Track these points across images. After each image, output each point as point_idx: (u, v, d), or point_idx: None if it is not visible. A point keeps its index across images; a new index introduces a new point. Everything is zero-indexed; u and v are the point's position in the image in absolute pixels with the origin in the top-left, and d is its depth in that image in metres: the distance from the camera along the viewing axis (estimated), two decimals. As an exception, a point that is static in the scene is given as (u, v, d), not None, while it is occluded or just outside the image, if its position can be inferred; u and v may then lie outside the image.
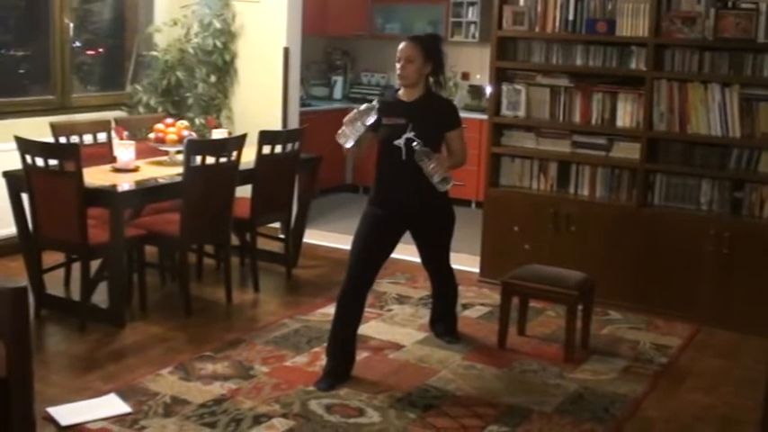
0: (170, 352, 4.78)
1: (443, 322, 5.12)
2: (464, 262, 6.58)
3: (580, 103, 5.95)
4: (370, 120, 4.27)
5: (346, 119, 4.28)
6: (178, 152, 5.59)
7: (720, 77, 5.49)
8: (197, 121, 7.11)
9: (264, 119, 7.12)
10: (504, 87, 6.15)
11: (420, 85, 4.56)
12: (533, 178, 6.18)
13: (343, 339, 4.48)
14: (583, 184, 6.01)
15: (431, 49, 4.54)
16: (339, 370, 4.45)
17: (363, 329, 5.17)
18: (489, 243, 6.24)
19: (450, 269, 5.01)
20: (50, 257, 5.54)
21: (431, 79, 4.61)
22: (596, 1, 5.78)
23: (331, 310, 4.63)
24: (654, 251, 5.67)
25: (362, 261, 4.47)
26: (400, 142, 4.43)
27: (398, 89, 4.65)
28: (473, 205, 8.76)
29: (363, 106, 4.29)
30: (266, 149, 5.73)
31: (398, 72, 4.53)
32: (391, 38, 9.34)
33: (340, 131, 4.28)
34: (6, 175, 5.31)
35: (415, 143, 4.35)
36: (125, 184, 5.15)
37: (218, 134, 6.08)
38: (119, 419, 3.93)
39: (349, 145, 4.30)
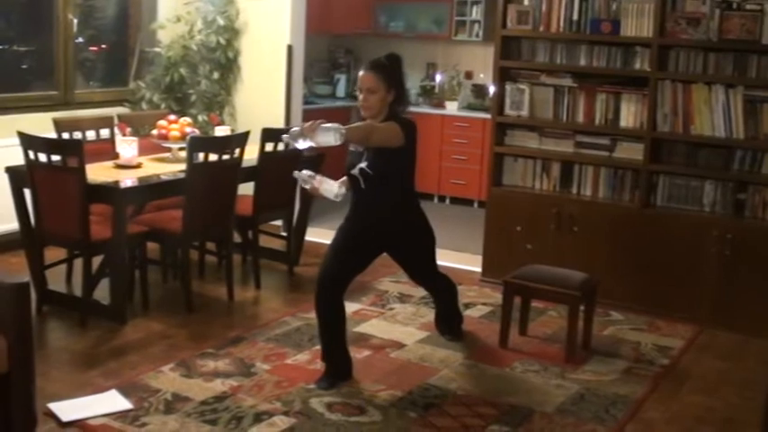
0: (171, 349, 4.78)
1: (446, 321, 5.12)
2: (466, 261, 6.60)
3: (584, 103, 5.94)
4: (328, 143, 4.02)
5: (306, 127, 4.01)
6: (181, 149, 5.59)
7: (724, 79, 5.48)
8: (200, 117, 7.11)
9: (267, 116, 7.11)
10: (508, 87, 6.14)
11: (382, 112, 4.36)
12: (536, 178, 6.18)
13: (331, 341, 4.45)
14: (586, 184, 6.01)
15: (393, 77, 4.34)
16: (337, 370, 4.44)
17: (365, 328, 5.19)
18: (491, 243, 6.23)
19: (441, 276, 5.00)
20: (52, 253, 5.53)
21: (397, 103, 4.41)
22: (601, 1, 5.77)
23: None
24: (656, 252, 5.66)
25: (333, 274, 4.40)
26: (355, 172, 4.36)
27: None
28: (476, 205, 8.77)
29: (327, 125, 4.00)
30: (269, 147, 5.73)
31: (361, 103, 4.36)
32: (395, 36, 9.37)
33: (296, 131, 4.05)
34: (9, 170, 5.31)
35: (363, 167, 4.30)
36: (127, 180, 5.15)
37: (220, 131, 6.08)
38: (120, 416, 3.93)
39: (299, 146, 4.09)
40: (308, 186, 4.48)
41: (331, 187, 4.45)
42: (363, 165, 4.34)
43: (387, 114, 4.36)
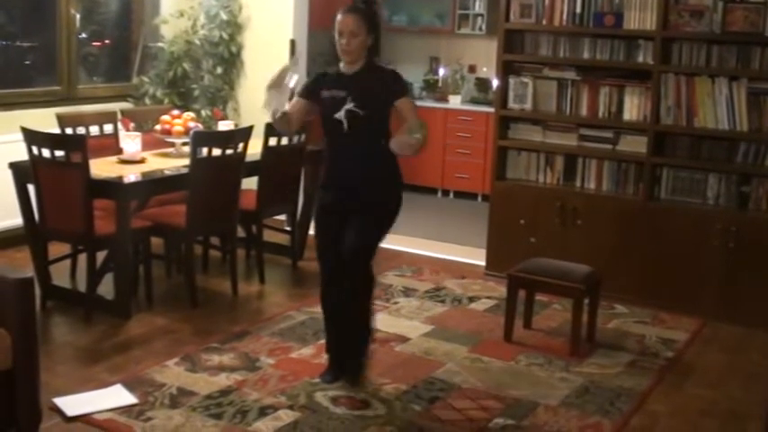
0: (176, 343, 4.78)
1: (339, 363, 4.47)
2: (470, 255, 6.61)
3: (587, 96, 5.94)
4: (293, 80, 4.03)
5: (268, 84, 4.00)
6: (184, 144, 5.59)
7: (728, 71, 5.47)
8: (203, 112, 7.11)
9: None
10: (511, 80, 6.14)
11: (362, 57, 4.23)
12: (540, 171, 6.17)
13: (337, 335, 4.42)
14: (589, 177, 6.00)
15: (373, 21, 4.23)
16: (341, 364, 4.44)
17: (369, 322, 5.19)
18: (495, 236, 6.23)
19: (359, 293, 4.30)
20: (56, 249, 5.54)
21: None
22: (604, -6, 5.78)
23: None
24: (660, 245, 5.66)
25: (324, 257, 4.29)
26: (341, 115, 4.15)
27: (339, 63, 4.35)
28: (479, 198, 8.76)
29: (283, 65, 4.02)
30: (272, 141, 5.72)
31: (343, 47, 4.20)
32: (398, 30, 9.35)
33: (264, 99, 4.00)
34: (13, 166, 5.31)
35: (350, 108, 4.09)
36: (131, 175, 5.15)
37: (224, 126, 6.08)
38: (125, 410, 3.93)
39: (271, 110, 4.03)
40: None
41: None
42: (350, 105, 4.12)
43: (365, 61, 4.24)
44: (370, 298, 4.34)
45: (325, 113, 4.22)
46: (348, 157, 4.21)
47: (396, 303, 5.58)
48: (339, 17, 4.23)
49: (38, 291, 4.71)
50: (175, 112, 5.92)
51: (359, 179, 4.20)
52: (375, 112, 4.15)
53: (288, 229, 6.50)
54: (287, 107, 4.11)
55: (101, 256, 5.28)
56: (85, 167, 4.89)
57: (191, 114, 5.96)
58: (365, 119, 4.13)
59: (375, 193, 4.22)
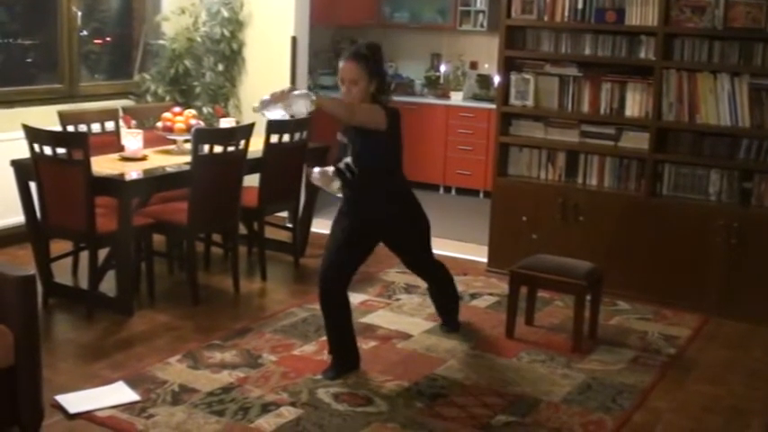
0: (178, 340, 4.79)
1: (443, 311, 5.09)
2: (472, 252, 6.61)
3: (589, 92, 5.93)
4: (300, 113, 4.05)
5: (276, 94, 4.00)
6: (186, 141, 5.59)
7: (730, 67, 5.46)
8: (205, 109, 7.11)
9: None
10: (513, 77, 6.13)
11: (367, 102, 4.27)
12: (541, 168, 6.17)
13: (338, 335, 4.45)
14: (591, 173, 6.00)
15: (375, 67, 4.25)
16: (343, 361, 4.45)
17: (371, 318, 5.19)
18: (497, 233, 6.23)
19: (438, 264, 4.93)
20: (58, 246, 5.55)
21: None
22: (605, -10, 5.77)
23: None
24: (662, 241, 5.65)
25: (334, 270, 4.37)
26: (341, 166, 4.32)
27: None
28: (481, 195, 8.76)
29: (298, 92, 4.02)
30: (274, 138, 5.73)
31: (344, 95, 4.27)
32: (399, 27, 9.34)
33: (266, 99, 4.02)
34: (15, 163, 5.31)
35: (348, 162, 4.28)
36: (133, 172, 5.15)
37: (225, 123, 6.08)
38: (127, 407, 3.94)
39: (270, 115, 4.07)
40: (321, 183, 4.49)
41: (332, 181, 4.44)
42: (348, 160, 4.29)
43: (369, 101, 4.28)
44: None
45: (334, 160, 4.42)
46: (357, 196, 4.41)
47: (398, 300, 5.58)
48: (341, 64, 4.28)
49: (40, 288, 4.71)
50: (177, 109, 5.92)
51: (366, 214, 4.41)
52: (372, 162, 4.30)
53: (290, 226, 6.50)
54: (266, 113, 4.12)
55: (102, 253, 5.28)
56: (87, 165, 4.89)
57: (192, 111, 5.95)
58: (363, 173, 4.31)
59: (387, 219, 4.48)
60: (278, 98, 3.98)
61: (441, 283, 5.01)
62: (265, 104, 4.02)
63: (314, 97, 3.99)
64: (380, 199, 4.40)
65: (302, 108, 3.99)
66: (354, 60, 4.21)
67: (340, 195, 4.47)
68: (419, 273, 5.00)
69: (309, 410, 3.99)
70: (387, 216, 4.46)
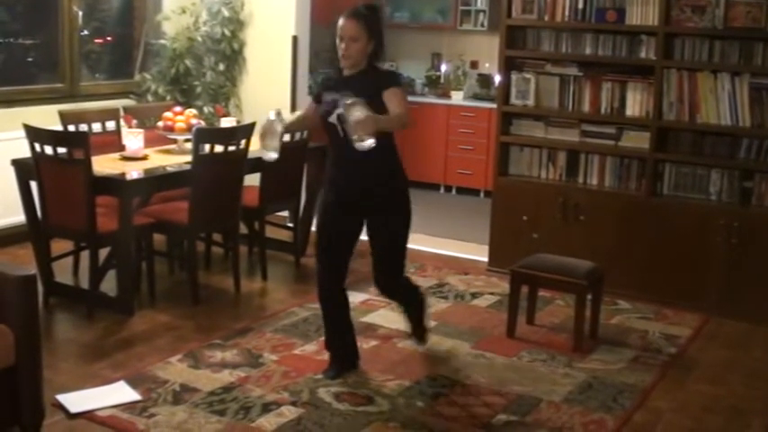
0: (179, 340, 4.79)
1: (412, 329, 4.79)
2: (473, 251, 6.61)
3: (589, 92, 5.93)
4: (280, 126, 4.09)
5: (260, 134, 4.14)
6: (187, 140, 5.59)
7: (730, 67, 5.46)
8: (205, 109, 7.11)
9: (273, 107, 7.07)
10: (514, 76, 6.13)
11: (362, 63, 4.16)
12: (542, 167, 6.17)
13: (336, 332, 4.43)
14: (592, 173, 6.00)
15: (374, 27, 4.14)
16: (342, 359, 4.44)
17: (372, 318, 5.19)
18: (498, 232, 6.23)
19: (403, 283, 4.53)
20: (59, 245, 5.55)
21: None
22: (606, -11, 5.77)
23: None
24: (663, 241, 5.65)
25: (324, 255, 4.29)
26: (333, 119, 4.11)
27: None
28: (482, 194, 8.76)
29: (267, 119, 4.11)
30: (275, 138, 5.72)
31: (342, 52, 4.14)
32: (400, 26, 9.34)
33: (262, 148, 4.14)
34: (15, 163, 5.31)
35: (339, 110, 3.92)
36: (134, 172, 5.15)
37: (226, 122, 6.08)
38: (128, 407, 3.94)
39: (275, 156, 4.10)
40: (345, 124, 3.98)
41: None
42: (341, 110, 3.94)
43: (365, 66, 4.19)
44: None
45: (323, 118, 4.21)
46: (346, 159, 4.13)
47: (398, 300, 5.58)
48: (340, 22, 4.17)
49: (40, 288, 4.71)
50: (178, 108, 5.92)
51: (359, 180, 4.19)
52: (377, 112, 4.00)
53: (290, 225, 6.50)
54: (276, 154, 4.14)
55: (103, 252, 5.29)
56: (88, 164, 4.89)
57: (193, 111, 5.95)
58: None
59: (381, 192, 4.23)
60: (264, 134, 4.11)
61: (404, 301, 4.66)
62: (267, 148, 4.13)
63: (276, 116, 4.11)
64: (374, 166, 4.13)
65: (279, 124, 4.12)
66: (354, 18, 4.14)
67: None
68: (381, 287, 4.49)
69: (310, 410, 3.99)
70: (378, 189, 4.21)
